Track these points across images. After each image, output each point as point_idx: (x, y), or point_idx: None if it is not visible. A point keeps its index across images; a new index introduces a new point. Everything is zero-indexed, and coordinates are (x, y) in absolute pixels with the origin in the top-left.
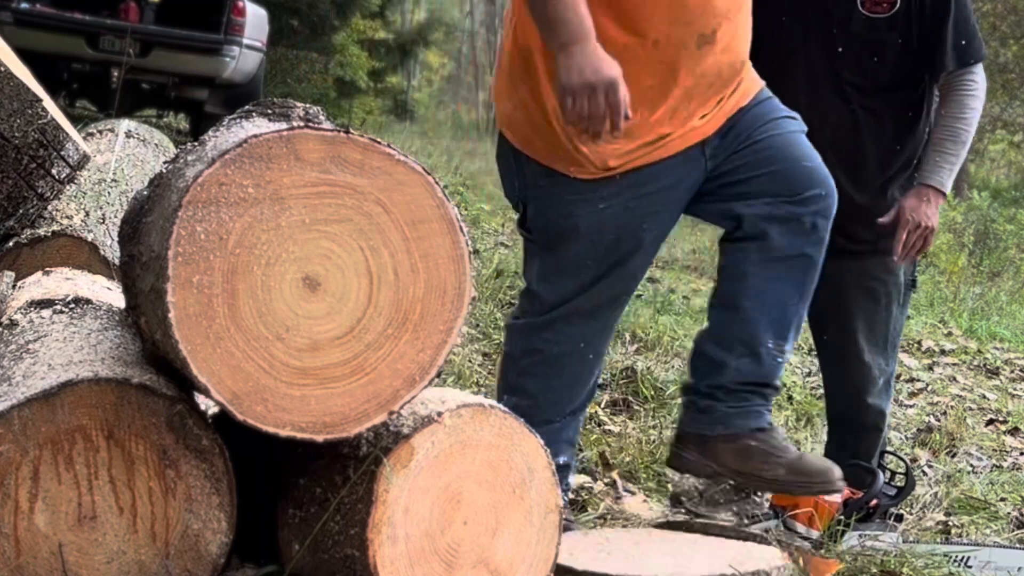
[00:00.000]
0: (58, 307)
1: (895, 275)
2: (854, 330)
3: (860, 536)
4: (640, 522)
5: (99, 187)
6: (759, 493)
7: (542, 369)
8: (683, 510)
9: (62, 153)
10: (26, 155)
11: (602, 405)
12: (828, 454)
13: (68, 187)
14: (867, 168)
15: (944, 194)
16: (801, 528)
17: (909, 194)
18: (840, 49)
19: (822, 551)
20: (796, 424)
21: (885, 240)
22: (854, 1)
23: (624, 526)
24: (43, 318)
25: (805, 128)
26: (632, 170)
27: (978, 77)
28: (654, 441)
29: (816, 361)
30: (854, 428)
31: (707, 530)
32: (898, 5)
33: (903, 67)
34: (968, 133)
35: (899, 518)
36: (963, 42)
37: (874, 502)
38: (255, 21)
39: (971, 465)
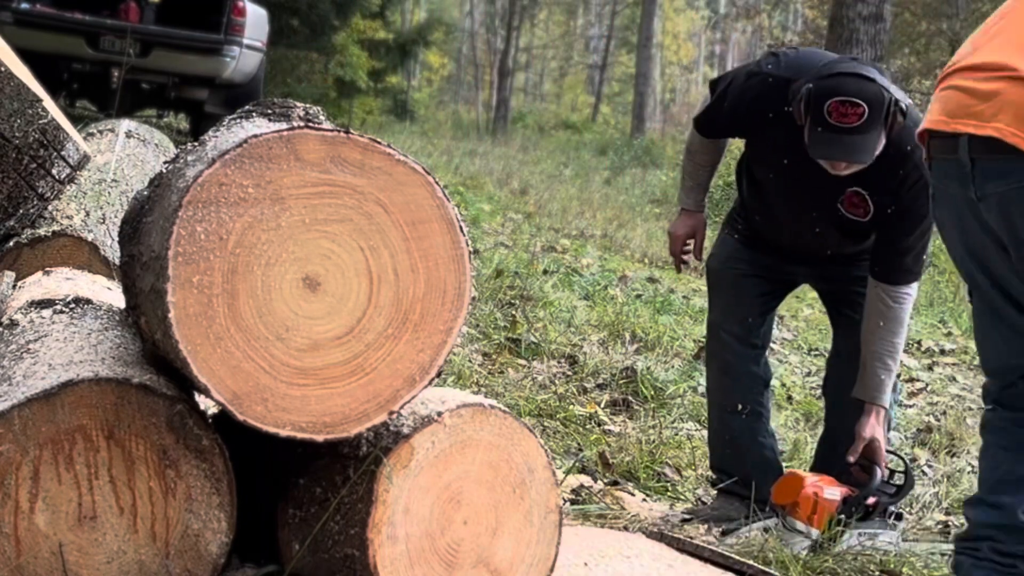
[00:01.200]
0: (58, 307)
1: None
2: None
3: (860, 535)
4: (640, 523)
5: (99, 187)
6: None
7: None
8: (692, 516)
9: (62, 153)
10: (26, 155)
11: (602, 405)
12: (822, 452)
13: (68, 187)
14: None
15: (883, 408)
16: (801, 526)
17: (862, 415)
18: (817, 230)
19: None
20: (795, 424)
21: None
22: (835, 201)
23: (625, 527)
24: (43, 318)
25: None
26: None
27: (915, 292)
28: (654, 441)
29: (816, 361)
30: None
31: (699, 552)
32: (871, 214)
33: (878, 266)
34: (901, 343)
35: (899, 516)
36: (914, 261)
37: (872, 500)
38: (255, 21)
39: (971, 465)
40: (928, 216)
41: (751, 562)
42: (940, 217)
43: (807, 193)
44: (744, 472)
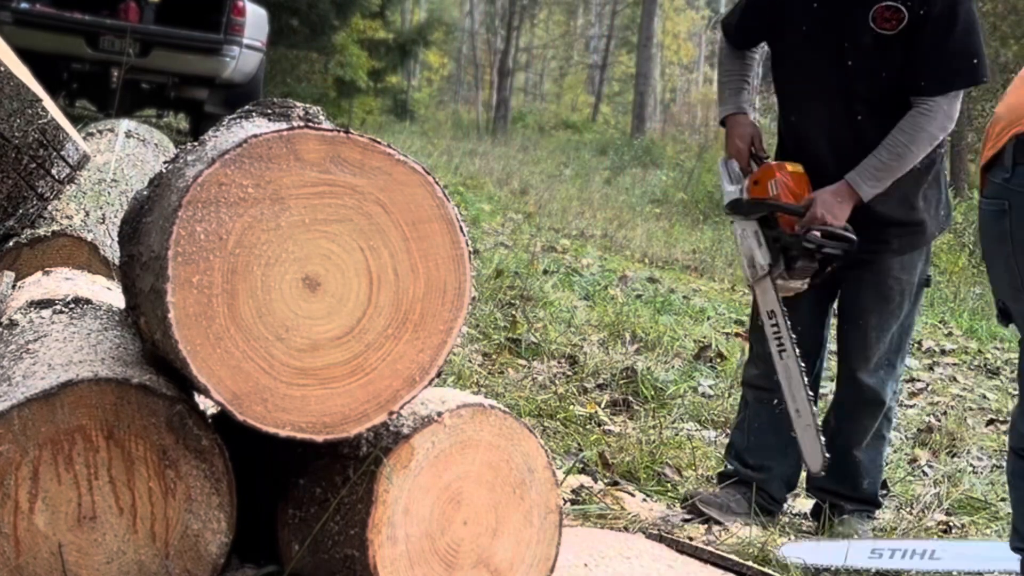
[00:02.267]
0: (58, 307)
1: (910, 274)
2: (866, 326)
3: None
4: (640, 523)
5: (99, 187)
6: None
7: None
8: (690, 508)
9: (62, 153)
10: (26, 155)
11: (602, 405)
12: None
13: (68, 187)
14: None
15: (858, 195)
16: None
17: (830, 186)
18: (850, 63)
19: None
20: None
21: (900, 240)
22: (866, 17)
23: (625, 527)
24: (43, 318)
25: None
26: None
27: (946, 105)
28: (654, 441)
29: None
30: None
31: (699, 553)
32: (904, 22)
33: (908, 81)
34: (908, 151)
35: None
36: (947, 68)
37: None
38: (255, 21)
39: (971, 465)
40: (967, 15)
41: (751, 563)
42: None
43: (834, 33)
44: (761, 463)
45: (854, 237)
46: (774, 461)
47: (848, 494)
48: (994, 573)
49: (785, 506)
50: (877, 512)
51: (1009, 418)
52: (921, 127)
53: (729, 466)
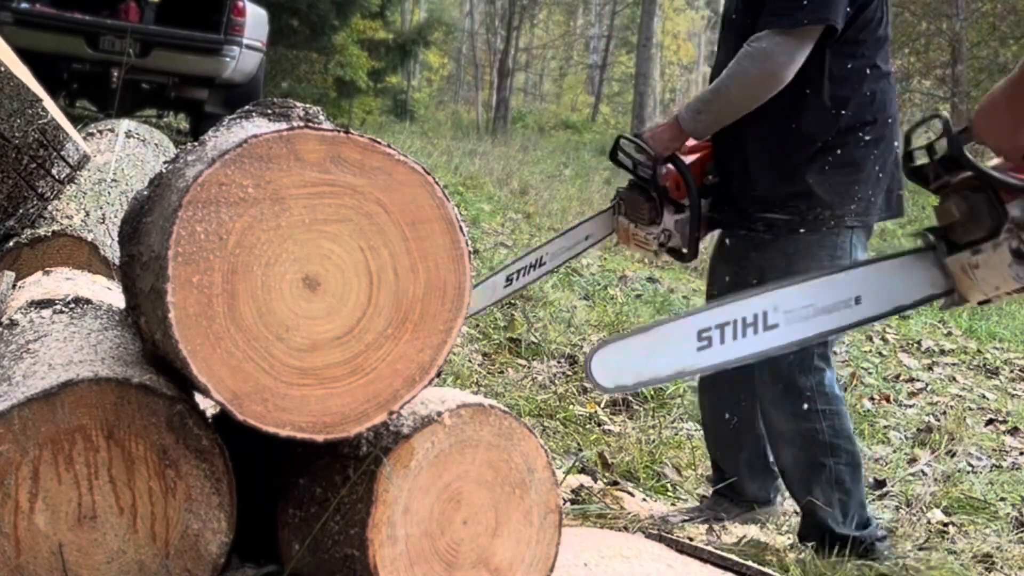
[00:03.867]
0: (58, 307)
1: (805, 260)
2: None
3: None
4: (640, 523)
5: (99, 187)
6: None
7: None
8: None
9: (62, 153)
10: (26, 155)
11: (602, 405)
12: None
13: (68, 187)
14: (772, 150)
15: (682, 129)
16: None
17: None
18: (734, 17)
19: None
20: None
21: (786, 219)
22: None
23: (625, 527)
24: (43, 318)
25: None
26: None
27: (769, 45)
28: (654, 441)
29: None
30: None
31: (699, 553)
32: None
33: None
34: (725, 86)
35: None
36: (773, 7)
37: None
38: (255, 21)
39: (971, 465)
40: None
41: (751, 563)
42: None
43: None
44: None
45: (654, 153)
46: (735, 460)
47: None
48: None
49: (779, 499)
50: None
51: (1009, 418)
52: (739, 62)
53: (714, 474)
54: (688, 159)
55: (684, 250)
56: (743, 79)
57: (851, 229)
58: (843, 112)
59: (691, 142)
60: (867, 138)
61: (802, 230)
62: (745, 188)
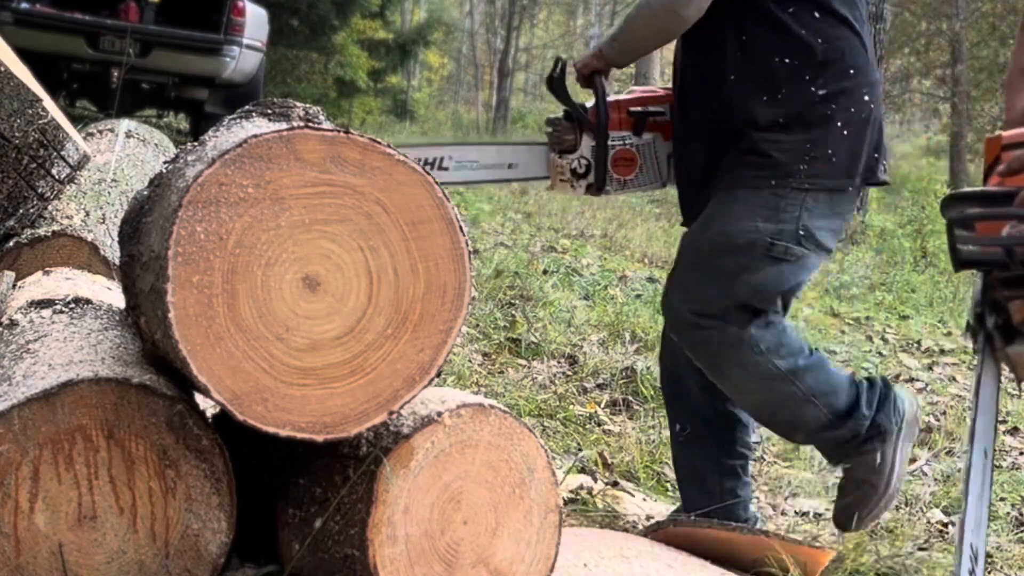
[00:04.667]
0: (58, 307)
1: (749, 219)
2: (680, 252)
3: None
4: (640, 523)
5: (99, 187)
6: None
7: None
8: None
9: (62, 153)
10: (26, 155)
11: (602, 405)
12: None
13: (68, 187)
14: (713, 112)
15: (603, 53)
16: None
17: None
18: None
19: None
20: None
21: (738, 166)
22: None
23: (625, 527)
24: (43, 318)
25: None
26: None
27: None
28: (654, 441)
29: None
30: None
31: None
32: None
33: None
34: (634, 19)
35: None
36: None
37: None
38: (255, 21)
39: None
40: None
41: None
42: None
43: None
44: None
45: (576, 71)
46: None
47: None
48: None
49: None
50: None
51: (1009, 418)
52: (637, 8)
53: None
54: (622, 96)
55: (591, 180)
56: (646, 11)
57: (804, 192)
58: (784, 61)
59: (649, 89)
60: (820, 92)
61: (740, 189)
62: (691, 153)
